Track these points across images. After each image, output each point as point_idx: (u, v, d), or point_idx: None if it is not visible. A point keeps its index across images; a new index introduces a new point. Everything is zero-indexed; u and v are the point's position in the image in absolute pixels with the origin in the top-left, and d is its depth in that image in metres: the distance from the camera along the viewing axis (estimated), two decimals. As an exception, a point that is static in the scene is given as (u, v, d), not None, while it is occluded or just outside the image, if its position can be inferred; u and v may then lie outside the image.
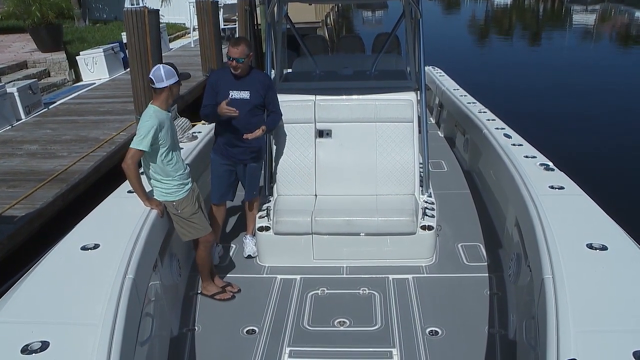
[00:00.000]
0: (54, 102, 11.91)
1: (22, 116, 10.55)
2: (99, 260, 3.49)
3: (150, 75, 4.10)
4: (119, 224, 3.97)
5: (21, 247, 6.17)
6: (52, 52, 15.40)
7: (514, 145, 5.57)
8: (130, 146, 4.01)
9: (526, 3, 53.46)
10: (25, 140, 9.23)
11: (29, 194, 6.97)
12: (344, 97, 5.56)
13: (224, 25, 18.92)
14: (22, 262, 5.09)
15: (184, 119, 6.47)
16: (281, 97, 5.21)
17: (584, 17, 40.58)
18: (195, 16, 14.81)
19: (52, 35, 15.77)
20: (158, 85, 4.06)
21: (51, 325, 2.85)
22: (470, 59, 23.13)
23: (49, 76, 14.76)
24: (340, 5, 34.07)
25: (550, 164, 4.95)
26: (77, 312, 2.97)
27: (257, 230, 5.16)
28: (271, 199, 5.51)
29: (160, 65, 4.14)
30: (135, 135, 4.05)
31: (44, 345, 2.67)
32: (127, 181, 4.53)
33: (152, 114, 4.04)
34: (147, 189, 4.30)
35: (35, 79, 12.19)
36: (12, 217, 6.38)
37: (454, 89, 8.97)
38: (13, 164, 8.13)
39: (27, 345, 2.67)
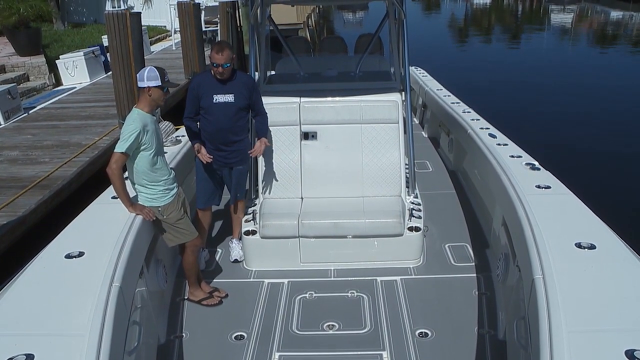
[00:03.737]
0: (34, 107, 11.74)
1: (1, 121, 10.38)
2: (83, 268, 3.42)
3: (137, 74, 4.13)
4: (103, 230, 3.91)
5: (3, 256, 6.06)
6: (30, 56, 15.20)
7: (499, 145, 5.59)
8: (114, 150, 3.95)
9: (505, 2, 53.95)
10: (5, 147, 9.08)
11: (10, 201, 6.86)
12: (329, 98, 5.53)
13: (205, 27, 18.80)
14: (4, 271, 4.99)
15: (168, 122, 6.42)
16: (265, 100, 5.17)
17: (561, 17, 41.07)
18: (177, 18, 14.73)
19: (31, 39, 15.58)
20: (139, 84, 4.07)
21: (35, 337, 2.78)
22: (453, 59, 23.26)
23: (28, 80, 14.57)
24: (321, 6, 34.09)
25: (536, 163, 4.98)
26: (63, 323, 2.90)
27: (243, 234, 5.12)
28: (257, 202, 5.47)
29: (148, 67, 4.12)
30: (118, 139, 4.00)
31: (29, 358, 2.60)
32: (111, 187, 4.46)
33: (136, 117, 4.00)
34: (132, 194, 4.25)
35: (14, 84, 12.00)
36: (-7, 225, 6.27)
37: (438, 89, 8.99)
38: (-7, 171, 8.00)
39: (10, 359, 2.60)
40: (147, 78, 4.02)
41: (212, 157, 4.80)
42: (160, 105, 4.23)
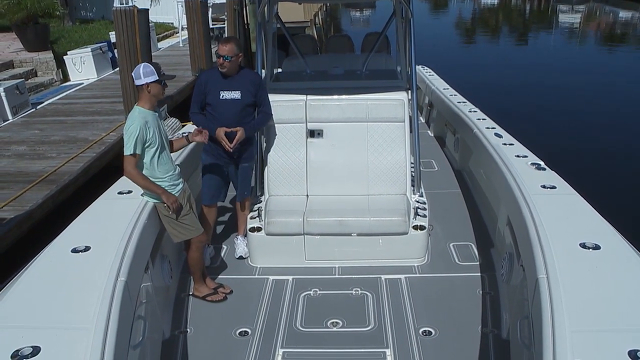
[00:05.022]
0: (42, 103, 11.81)
1: (9, 117, 10.44)
2: (90, 262, 3.45)
3: (132, 73, 4.12)
4: (109, 225, 3.93)
5: (10, 250, 6.10)
6: (38, 52, 15.28)
7: (505, 144, 5.58)
8: (124, 154, 3.99)
9: (513, 2, 53.75)
10: (13, 141, 9.14)
11: (17, 196, 6.91)
12: (335, 96, 5.54)
13: (213, 24, 18.84)
14: (11, 265, 5.03)
15: (174, 119, 6.46)
16: (272, 97, 5.19)
17: (570, 17, 40.88)
18: (184, 15, 14.75)
19: (39, 35, 15.66)
20: (136, 82, 4.06)
21: (42, 329, 2.81)
22: (460, 59, 23.21)
23: (36, 76, 14.66)
24: (328, 4, 34.04)
25: (542, 163, 4.97)
26: (69, 316, 2.93)
27: (248, 231, 5.13)
28: (262, 199, 5.48)
29: (142, 64, 4.13)
30: (124, 141, 4.03)
31: (35, 351, 2.63)
32: (117, 182, 4.53)
33: (137, 116, 4.02)
34: (138, 190, 4.28)
35: (22, 79, 12.07)
36: (1, 219, 6.31)
37: (444, 88, 8.99)
38: (1, 165, 8.05)
39: (17, 351, 2.62)
40: (144, 75, 4.02)
41: (230, 146, 4.72)
42: (160, 100, 4.25)
